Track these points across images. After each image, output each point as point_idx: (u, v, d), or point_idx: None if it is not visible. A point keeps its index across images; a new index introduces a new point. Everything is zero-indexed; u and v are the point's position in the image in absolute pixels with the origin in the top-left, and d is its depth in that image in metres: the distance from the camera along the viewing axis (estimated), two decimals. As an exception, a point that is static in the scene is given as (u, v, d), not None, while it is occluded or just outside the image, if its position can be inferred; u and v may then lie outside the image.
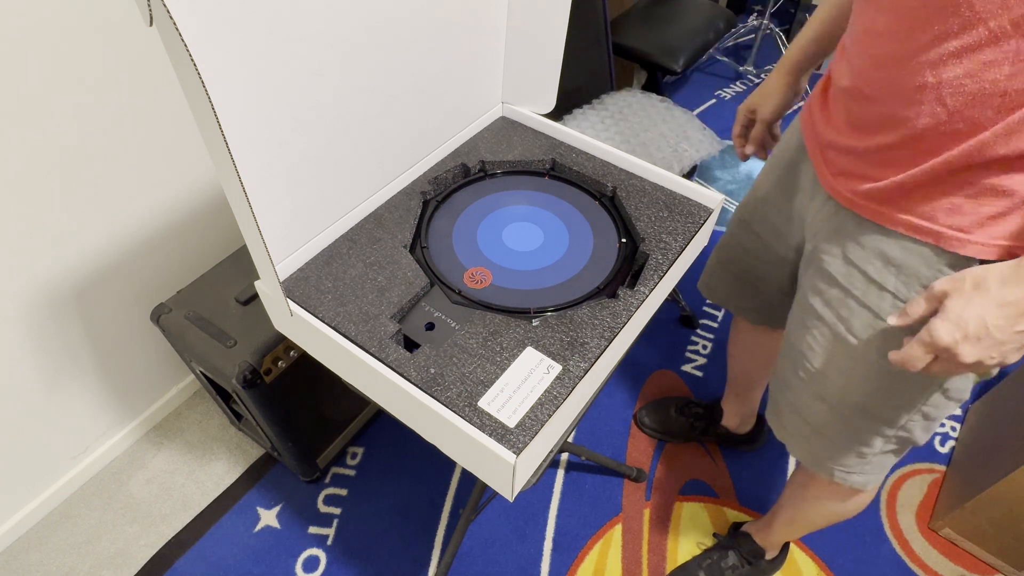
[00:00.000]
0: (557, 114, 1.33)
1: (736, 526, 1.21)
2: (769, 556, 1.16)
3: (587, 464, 1.36)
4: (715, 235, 1.84)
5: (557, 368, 0.62)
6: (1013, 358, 0.54)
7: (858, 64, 0.63)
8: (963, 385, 0.70)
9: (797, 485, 0.99)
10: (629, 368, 1.53)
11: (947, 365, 0.56)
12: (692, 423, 1.36)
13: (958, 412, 1.46)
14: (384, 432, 1.41)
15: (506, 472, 0.56)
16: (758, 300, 0.98)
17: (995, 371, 0.57)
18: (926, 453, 1.38)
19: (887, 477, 1.33)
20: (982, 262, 0.59)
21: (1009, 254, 0.57)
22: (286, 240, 0.69)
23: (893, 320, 0.62)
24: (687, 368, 1.54)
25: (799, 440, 0.84)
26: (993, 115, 0.53)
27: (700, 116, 2.26)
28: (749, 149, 0.97)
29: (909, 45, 0.55)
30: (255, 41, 0.54)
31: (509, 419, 0.58)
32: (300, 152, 0.64)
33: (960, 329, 0.53)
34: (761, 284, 0.95)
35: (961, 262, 0.61)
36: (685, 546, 1.25)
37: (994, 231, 0.58)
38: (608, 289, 0.72)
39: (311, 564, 1.22)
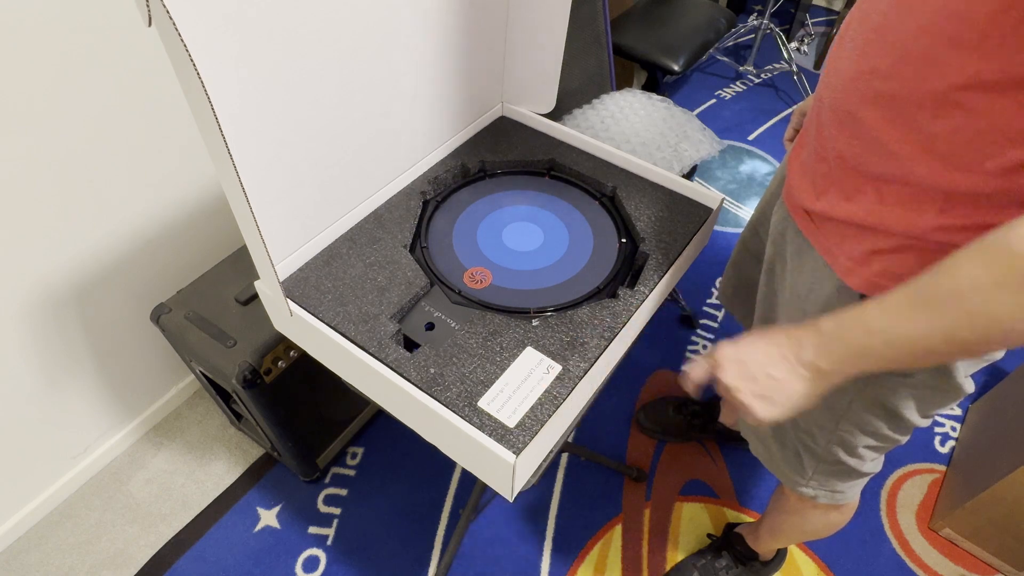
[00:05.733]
0: (557, 114, 1.32)
1: (731, 526, 1.21)
2: (763, 559, 1.16)
3: (587, 464, 1.36)
4: (715, 235, 1.84)
5: (557, 368, 0.62)
6: (754, 404, 0.54)
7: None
8: (870, 421, 0.69)
9: (777, 495, 1.00)
10: (629, 368, 1.53)
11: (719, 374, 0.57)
12: (690, 421, 1.36)
13: (958, 412, 1.46)
14: (384, 432, 1.41)
15: (506, 472, 0.56)
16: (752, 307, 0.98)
17: (752, 419, 0.56)
18: (926, 453, 1.38)
19: (885, 479, 1.33)
20: (861, 296, 0.61)
21: (880, 289, 0.59)
22: (286, 240, 0.69)
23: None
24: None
25: (754, 440, 0.87)
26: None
27: (700, 116, 2.26)
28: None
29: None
30: (254, 41, 0.54)
31: (509, 419, 0.58)
32: (300, 152, 0.64)
33: (736, 356, 0.56)
34: (755, 290, 0.95)
35: (846, 292, 0.62)
36: (685, 546, 1.24)
37: (874, 267, 0.59)
38: (608, 289, 0.72)
39: (311, 564, 1.22)
